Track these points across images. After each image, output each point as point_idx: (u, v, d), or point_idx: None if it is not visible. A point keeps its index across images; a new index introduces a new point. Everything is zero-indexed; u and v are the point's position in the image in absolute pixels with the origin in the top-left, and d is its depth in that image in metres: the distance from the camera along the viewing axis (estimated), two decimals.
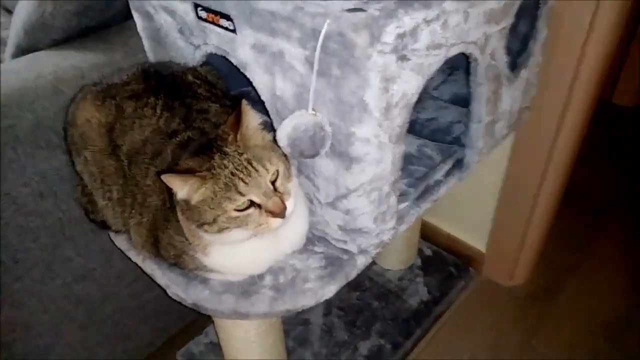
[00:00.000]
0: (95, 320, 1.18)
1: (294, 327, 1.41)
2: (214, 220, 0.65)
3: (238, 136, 0.66)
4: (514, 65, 1.00)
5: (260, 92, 0.78)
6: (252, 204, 0.65)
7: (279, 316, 0.78)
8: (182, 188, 0.64)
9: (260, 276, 0.80)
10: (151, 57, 0.99)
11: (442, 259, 1.62)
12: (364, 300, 1.50)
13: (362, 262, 0.84)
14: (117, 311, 1.23)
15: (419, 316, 1.46)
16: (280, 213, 0.66)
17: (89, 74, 0.98)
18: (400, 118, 0.72)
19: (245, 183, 0.64)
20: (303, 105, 0.71)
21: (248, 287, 0.79)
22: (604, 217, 1.79)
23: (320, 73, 0.66)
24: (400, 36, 0.64)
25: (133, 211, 0.80)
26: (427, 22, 0.67)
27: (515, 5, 0.86)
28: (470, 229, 1.59)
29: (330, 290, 0.80)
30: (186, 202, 0.66)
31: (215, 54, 0.83)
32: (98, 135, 0.79)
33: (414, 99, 0.72)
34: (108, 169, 0.81)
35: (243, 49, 0.76)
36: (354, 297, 1.51)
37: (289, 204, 0.68)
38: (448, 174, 0.99)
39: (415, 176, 0.95)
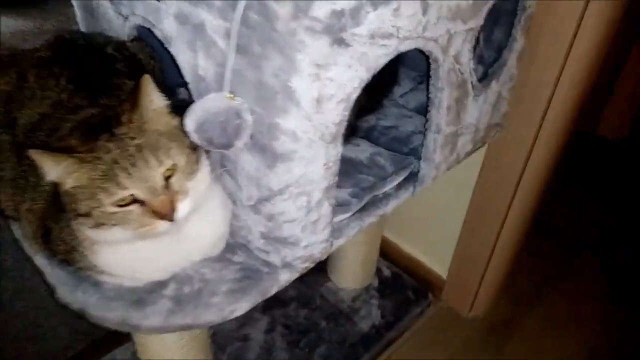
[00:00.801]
0: (2, 317, 1.06)
1: (232, 342, 1.29)
2: (89, 213, 0.54)
3: (134, 117, 0.55)
4: (485, 75, 0.91)
5: (183, 71, 0.67)
6: (135, 200, 0.55)
7: (176, 331, 0.68)
8: (53, 169, 0.53)
9: (163, 283, 0.69)
10: (83, 28, 0.89)
11: (401, 282, 1.51)
12: (312, 320, 1.39)
13: (285, 277, 0.73)
14: (31, 309, 1.11)
15: (368, 341, 1.35)
16: (168, 215, 0.55)
17: (10, 40, 0.87)
18: (335, 114, 0.62)
19: (129, 174, 0.53)
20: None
21: (145, 295, 0.68)
22: (572, 252, 1.70)
23: (240, 50, 0.56)
24: (337, 15, 0.54)
25: (26, 195, 0.69)
26: (374, 4, 0.57)
27: (485, 6, 0.77)
28: (433, 252, 1.49)
29: (241, 307, 0.69)
30: (59, 186, 0.55)
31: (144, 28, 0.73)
32: None
33: (355, 94, 0.62)
34: (1, 144, 0.69)
35: (168, 20, 0.66)
36: (302, 315, 1.40)
37: (183, 205, 0.57)
38: (400, 187, 0.88)
39: (361, 186, 0.84)
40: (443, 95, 0.79)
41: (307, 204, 0.67)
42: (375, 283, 1.49)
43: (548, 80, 1.03)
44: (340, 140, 0.65)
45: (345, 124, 0.64)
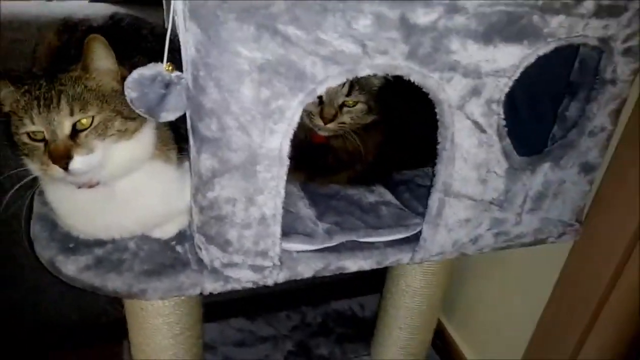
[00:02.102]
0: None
1: None
2: (15, 138, 0.61)
3: (75, 68, 0.61)
4: (536, 152, 0.76)
5: None
6: (44, 139, 0.59)
7: (87, 289, 0.68)
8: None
9: (100, 243, 0.71)
10: None
11: None
12: None
13: (210, 285, 0.69)
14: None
15: None
16: (59, 161, 0.58)
17: None
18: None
19: (40, 112, 0.58)
20: None
21: (80, 246, 0.71)
22: None
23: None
24: None
25: None
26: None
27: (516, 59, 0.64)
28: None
29: (150, 289, 0.67)
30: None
31: None
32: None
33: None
34: None
35: None
36: None
37: (80, 159, 0.59)
38: (395, 245, 0.77)
39: (343, 226, 0.76)
40: (452, 148, 0.68)
41: (233, 205, 0.63)
42: None
43: None
44: (285, 161, 0.61)
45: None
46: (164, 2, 0.89)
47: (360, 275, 0.82)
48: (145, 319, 0.85)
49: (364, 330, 1.32)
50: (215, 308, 1.05)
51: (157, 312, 0.83)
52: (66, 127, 0.59)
